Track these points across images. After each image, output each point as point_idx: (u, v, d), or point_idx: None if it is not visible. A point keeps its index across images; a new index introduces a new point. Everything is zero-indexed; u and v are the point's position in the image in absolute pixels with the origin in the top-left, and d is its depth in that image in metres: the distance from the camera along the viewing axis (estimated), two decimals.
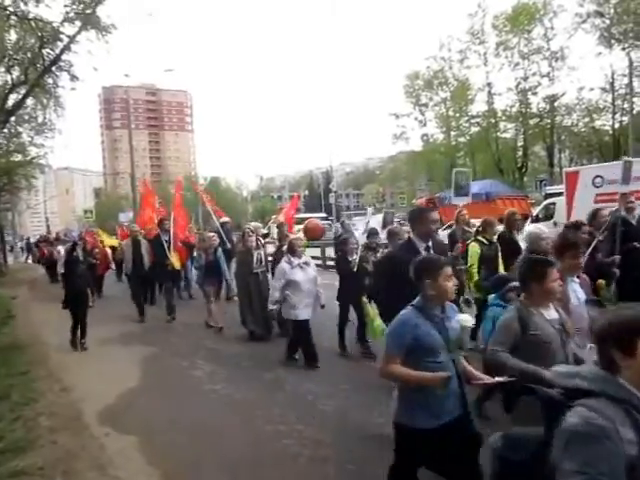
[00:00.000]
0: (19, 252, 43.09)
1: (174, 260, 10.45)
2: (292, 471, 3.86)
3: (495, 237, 6.26)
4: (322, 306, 6.70)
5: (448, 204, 27.46)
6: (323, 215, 40.08)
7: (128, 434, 4.71)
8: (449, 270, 2.81)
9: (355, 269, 6.76)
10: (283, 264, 6.45)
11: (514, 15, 36.09)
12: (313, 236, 16.34)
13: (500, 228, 6.51)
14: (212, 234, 9.82)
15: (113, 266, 16.12)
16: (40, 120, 20.84)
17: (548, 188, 26.39)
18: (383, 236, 7.51)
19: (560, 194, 19.37)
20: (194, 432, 4.64)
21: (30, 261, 32.67)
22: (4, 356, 7.75)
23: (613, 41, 31.81)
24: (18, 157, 23.91)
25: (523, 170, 39.36)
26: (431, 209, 4.82)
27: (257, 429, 4.64)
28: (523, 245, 5.53)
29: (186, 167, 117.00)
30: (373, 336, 6.18)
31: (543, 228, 4.72)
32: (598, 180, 17.28)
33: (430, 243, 4.11)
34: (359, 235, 8.32)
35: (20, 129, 21.92)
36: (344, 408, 4.99)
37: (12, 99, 17.72)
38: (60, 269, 13.52)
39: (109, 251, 15.37)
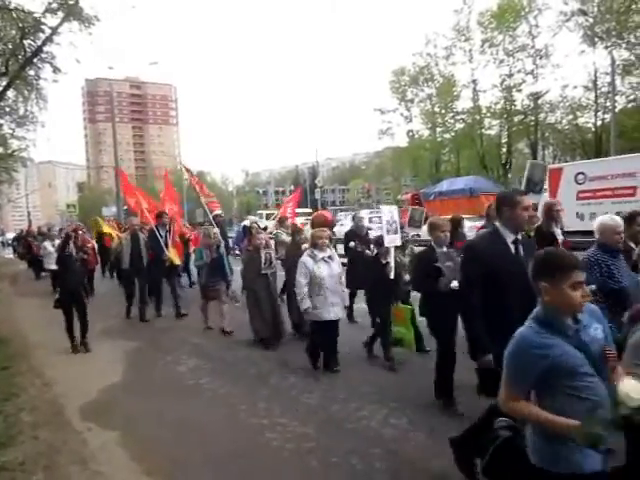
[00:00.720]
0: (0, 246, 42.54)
1: (172, 256, 9.97)
2: (276, 464, 3.88)
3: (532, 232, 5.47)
4: (346, 306, 6.33)
5: (432, 199, 27.80)
6: (309, 210, 40.03)
7: (111, 429, 4.68)
8: (580, 275, 2.06)
9: (392, 275, 5.82)
10: (306, 258, 5.83)
11: (499, 12, 36.29)
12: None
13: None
14: (215, 230, 9.15)
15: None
16: (22, 112, 20.56)
17: None
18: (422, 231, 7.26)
19: (544, 190, 19.65)
20: (178, 427, 4.63)
21: (12, 256, 32.27)
22: None
23: (596, 39, 32.15)
24: None
25: (507, 166, 39.72)
26: (524, 192, 4.15)
27: (241, 423, 4.65)
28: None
29: (171, 161, 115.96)
30: (408, 346, 5.96)
31: (617, 219, 4.05)
32: (580, 177, 17.58)
33: (519, 236, 3.27)
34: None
35: (1, 121, 21.59)
36: (327, 402, 5.01)
37: None
38: (48, 265, 13.27)
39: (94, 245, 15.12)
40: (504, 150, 40.17)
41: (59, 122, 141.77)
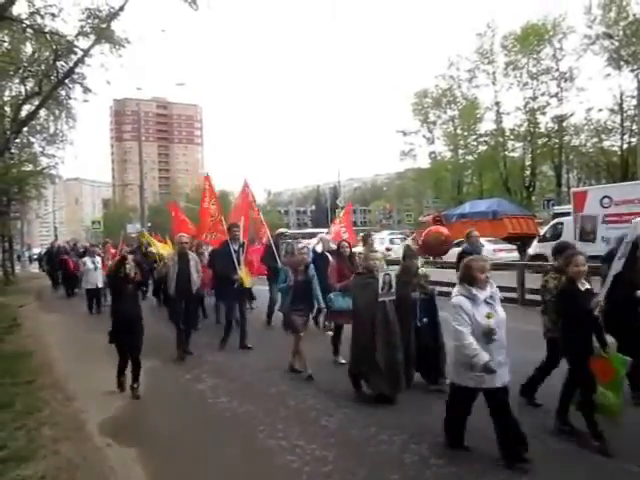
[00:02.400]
0: (26, 261, 43.38)
1: (243, 275, 8.57)
2: None
3: None
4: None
5: (454, 221, 27.60)
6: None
7: (130, 446, 4.70)
8: None
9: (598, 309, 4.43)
10: (461, 300, 4.04)
11: (523, 35, 36.34)
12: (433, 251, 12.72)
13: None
14: (302, 245, 7.91)
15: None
16: (52, 131, 21.16)
17: (556, 208, 26.35)
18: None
19: (568, 214, 19.39)
20: (196, 446, 4.63)
21: (37, 270, 32.81)
22: (9, 364, 7.78)
23: (622, 63, 31.96)
24: (29, 167, 24.22)
25: (531, 189, 39.32)
26: None
27: (259, 444, 4.62)
28: None
29: (194, 180, 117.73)
30: (613, 414, 4.26)
31: None
32: (606, 200, 17.33)
33: None
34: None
35: (32, 139, 22.25)
36: (346, 425, 4.96)
37: (25, 110, 18.01)
38: (86, 284, 13.09)
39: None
40: (527, 172, 39.80)
41: (87, 140, 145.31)
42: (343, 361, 6.79)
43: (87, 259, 13.34)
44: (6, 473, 4.14)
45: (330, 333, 7.46)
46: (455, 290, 4.23)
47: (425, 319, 6.01)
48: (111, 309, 6.48)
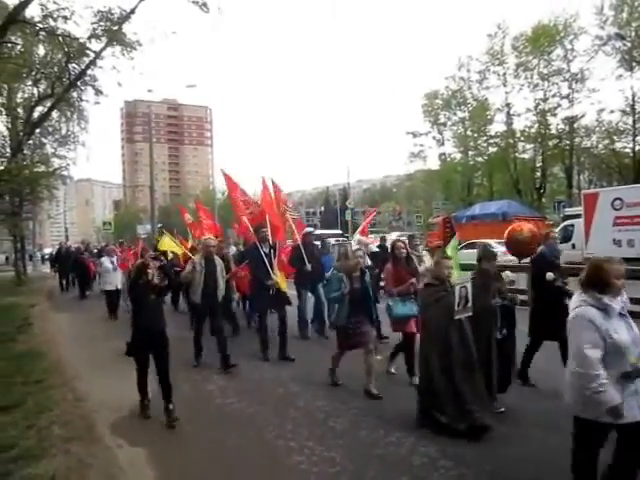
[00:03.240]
0: (38, 261, 43.76)
1: (279, 280, 7.80)
2: None
3: None
4: None
5: (464, 223, 27.51)
6: (339, 232, 39.94)
7: (140, 446, 4.73)
8: None
9: None
10: (590, 311, 3.11)
11: (534, 36, 36.09)
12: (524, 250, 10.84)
13: None
14: (357, 248, 7.07)
15: None
16: (64, 132, 21.41)
17: (567, 210, 26.18)
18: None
19: (578, 216, 19.26)
20: (205, 446, 4.65)
21: (49, 270, 33.05)
22: (21, 364, 7.84)
23: (634, 64, 31.67)
24: (41, 168, 24.43)
25: (541, 191, 39.03)
26: None
27: (268, 445, 4.63)
28: None
29: (204, 181, 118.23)
30: None
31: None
32: (617, 203, 17.20)
33: None
34: None
35: (44, 141, 22.51)
36: (355, 426, 4.96)
37: (38, 112, 18.25)
38: (104, 285, 12.56)
39: None
40: (538, 174, 39.51)
41: (98, 142, 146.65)
42: (394, 371, 6.53)
43: (105, 259, 12.62)
44: (17, 471, 4.17)
45: (379, 358, 6.28)
46: (578, 299, 3.26)
47: (504, 331, 5.27)
48: (132, 319, 5.71)
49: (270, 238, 8.16)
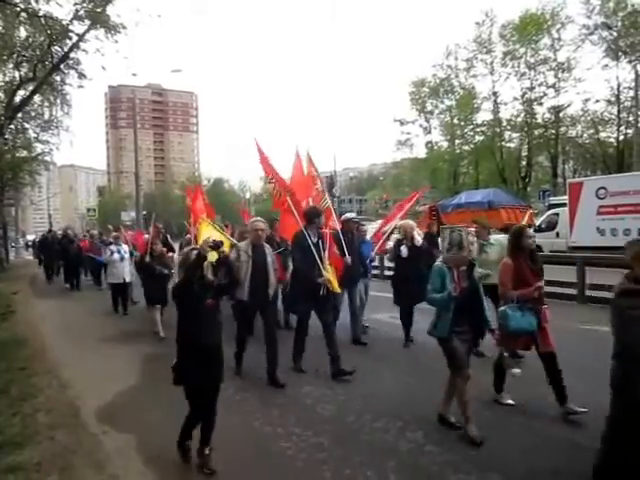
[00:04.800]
0: (21, 248, 43.24)
1: (331, 277, 6.28)
2: (290, 474, 3.85)
3: None
4: None
5: (450, 211, 27.63)
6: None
7: (126, 432, 4.70)
8: None
9: None
10: None
11: (521, 25, 36.13)
12: None
13: None
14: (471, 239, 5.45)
15: None
16: (46, 117, 21.04)
17: (551, 198, 26.41)
18: None
19: (563, 205, 19.44)
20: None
21: (32, 257, 32.68)
22: (3, 351, 7.76)
23: (620, 54, 31.87)
24: (23, 153, 24.06)
25: (527, 180, 39.33)
26: None
27: (255, 431, 4.63)
28: None
29: (190, 168, 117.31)
30: None
31: None
32: (602, 192, 17.38)
33: None
34: None
35: (26, 125, 22.15)
36: (342, 412, 4.98)
37: (20, 95, 17.91)
38: (111, 278, 11.19)
39: None
40: (524, 163, 39.80)
41: (82, 127, 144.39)
42: (511, 402, 5.00)
43: (112, 247, 11.21)
44: (2, 459, 4.14)
45: (516, 372, 4.80)
46: None
47: None
48: (178, 332, 4.19)
49: (320, 224, 6.60)
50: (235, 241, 7.11)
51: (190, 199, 11.70)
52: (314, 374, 6.23)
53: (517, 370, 4.77)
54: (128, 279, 11.15)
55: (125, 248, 11.32)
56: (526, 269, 4.79)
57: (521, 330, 4.61)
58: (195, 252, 4.03)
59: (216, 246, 4.24)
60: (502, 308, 4.71)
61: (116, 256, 10.98)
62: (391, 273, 9.10)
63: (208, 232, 7.64)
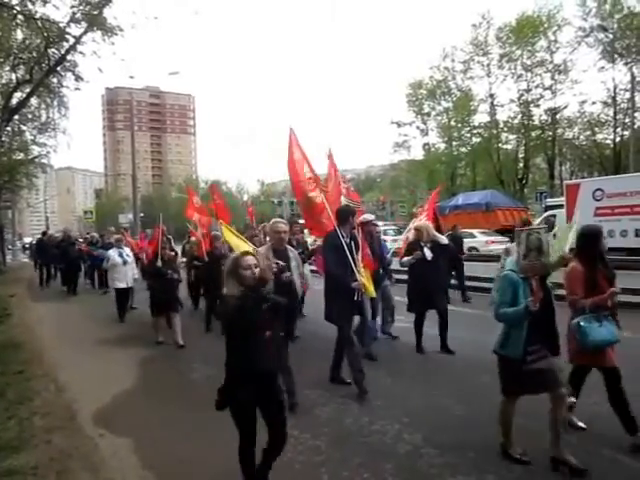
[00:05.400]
0: (18, 250, 43.12)
1: (366, 282, 5.74)
2: (287, 476, 3.84)
3: None
4: None
5: (447, 213, 27.68)
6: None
7: (123, 436, 4.68)
8: None
9: None
10: None
11: (518, 27, 36.29)
12: None
13: None
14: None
15: None
16: (43, 119, 20.99)
17: (548, 200, 26.48)
18: None
19: (560, 206, 19.49)
20: (190, 435, 4.62)
21: (28, 260, 32.57)
22: (0, 354, 7.73)
23: (616, 56, 32.03)
24: (20, 155, 24.01)
25: (524, 182, 39.45)
26: None
27: None
28: None
29: (187, 170, 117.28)
30: None
31: None
32: (598, 193, 17.43)
33: None
34: None
35: (23, 128, 22.07)
36: (339, 415, 4.97)
37: (16, 97, 17.87)
38: (114, 282, 10.58)
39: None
40: (521, 165, 39.94)
41: (79, 129, 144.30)
42: (583, 425, 4.35)
43: (114, 251, 10.63)
44: None
45: (571, 400, 4.13)
46: None
47: None
48: (229, 355, 3.48)
49: (354, 225, 6.11)
50: (252, 246, 6.25)
51: (191, 200, 11.70)
52: (311, 377, 6.22)
53: (572, 399, 4.14)
54: (131, 284, 10.74)
55: (128, 251, 10.92)
56: (598, 274, 4.11)
57: (603, 342, 3.97)
58: (250, 273, 3.21)
59: (280, 272, 4.09)
60: (575, 321, 4.05)
61: (118, 260, 10.40)
62: (401, 277, 8.45)
63: (231, 238, 6.86)
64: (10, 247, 40.10)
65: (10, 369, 6.88)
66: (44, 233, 22.52)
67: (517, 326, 3.75)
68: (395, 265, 8.42)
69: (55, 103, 18.98)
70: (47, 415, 5.24)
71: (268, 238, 7.40)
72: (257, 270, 3.26)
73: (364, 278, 5.68)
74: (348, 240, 5.72)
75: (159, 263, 8.58)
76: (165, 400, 5.68)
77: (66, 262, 15.83)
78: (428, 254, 7.02)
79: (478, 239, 22.02)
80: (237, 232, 7.12)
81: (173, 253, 9.68)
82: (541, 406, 3.81)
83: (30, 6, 13.80)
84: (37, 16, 14.11)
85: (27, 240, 52.78)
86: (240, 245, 6.46)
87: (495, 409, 3.99)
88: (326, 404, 5.27)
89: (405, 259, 7.26)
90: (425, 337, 7.22)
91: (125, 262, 10.50)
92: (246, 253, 3.38)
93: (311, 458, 4.08)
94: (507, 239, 21.87)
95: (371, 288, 5.92)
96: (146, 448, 4.41)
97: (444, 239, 7.29)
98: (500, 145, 39.91)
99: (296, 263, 5.56)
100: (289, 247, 5.77)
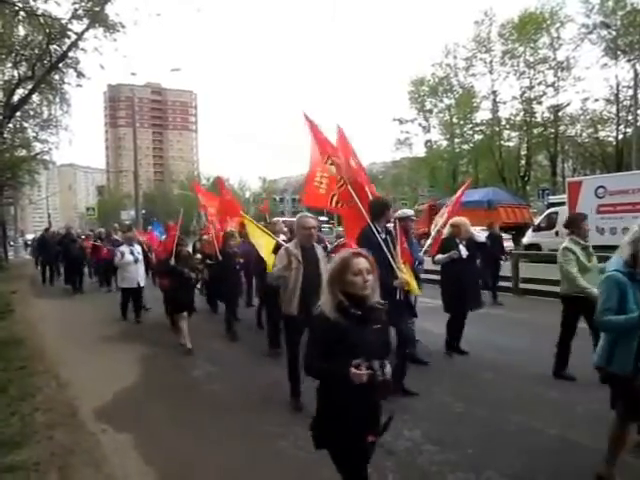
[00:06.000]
0: (20, 247, 43.17)
1: (408, 279, 5.18)
2: (288, 472, 3.85)
3: None
4: None
5: None
6: (325, 219, 39.98)
7: (125, 432, 4.70)
8: None
9: None
10: None
11: (521, 24, 36.18)
12: None
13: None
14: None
15: None
16: (45, 116, 21.01)
17: (551, 197, 26.45)
18: None
19: (562, 204, 19.47)
20: (191, 432, 4.63)
21: (30, 257, 32.57)
22: (2, 350, 7.75)
23: (619, 53, 31.92)
24: (22, 152, 24.04)
25: (526, 179, 39.39)
26: None
27: (254, 430, 4.63)
28: None
29: (189, 166, 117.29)
30: None
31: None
32: (601, 191, 17.40)
33: None
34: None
35: (25, 124, 22.09)
36: None
37: (18, 94, 17.87)
38: (122, 282, 10.16)
39: None
40: (523, 162, 39.87)
41: (81, 126, 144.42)
42: None
43: (124, 248, 10.06)
44: (0, 458, 4.13)
45: None
46: None
47: None
48: (320, 395, 2.73)
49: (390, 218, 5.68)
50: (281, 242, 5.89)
51: (202, 195, 11.19)
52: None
53: None
54: (142, 283, 10.20)
55: (139, 249, 10.34)
56: None
57: None
58: (361, 281, 2.46)
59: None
60: None
61: (130, 258, 9.86)
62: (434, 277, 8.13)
63: (255, 232, 6.41)
64: (12, 244, 40.12)
65: (12, 365, 6.90)
66: (47, 230, 22.49)
67: (626, 336, 3.16)
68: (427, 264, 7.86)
69: (57, 100, 19.01)
70: (49, 411, 5.25)
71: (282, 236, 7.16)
72: (371, 278, 2.50)
73: (406, 275, 5.17)
74: (384, 235, 5.23)
75: (172, 261, 8.05)
76: (167, 397, 5.69)
77: (67, 259, 15.50)
78: (464, 252, 6.66)
79: (481, 236, 21.97)
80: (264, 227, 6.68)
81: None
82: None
83: (32, 2, 13.83)
84: (39, 12, 14.12)
85: (29, 237, 52.82)
86: (266, 241, 6.21)
87: (495, 406, 4.00)
88: None
89: (439, 257, 6.78)
90: (428, 335, 7.20)
91: (136, 260, 10.03)
92: (357, 254, 2.57)
93: (311, 454, 4.08)
94: (510, 236, 21.90)
95: (414, 284, 5.30)
96: (148, 444, 4.42)
97: (481, 237, 6.96)
98: (502, 142, 39.84)
99: (324, 262, 4.97)
100: (317, 245, 5.24)
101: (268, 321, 7.49)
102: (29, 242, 43.18)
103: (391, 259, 5.09)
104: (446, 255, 6.66)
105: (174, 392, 5.86)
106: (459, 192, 8.49)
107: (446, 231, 7.00)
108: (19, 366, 6.87)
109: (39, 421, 4.98)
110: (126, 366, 6.88)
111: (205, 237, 11.06)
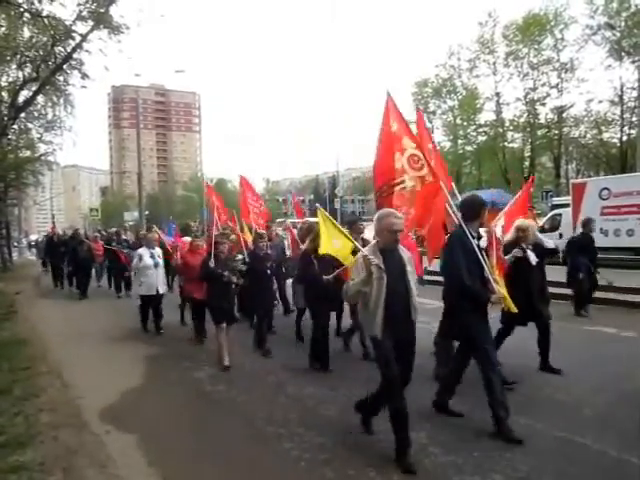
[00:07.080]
0: (24, 248, 43.30)
1: (505, 294, 4.61)
2: (293, 474, 3.84)
3: None
4: None
5: None
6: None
7: (129, 433, 4.70)
8: None
9: None
10: None
11: (524, 25, 36.09)
12: None
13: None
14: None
15: None
16: (50, 117, 21.03)
17: (554, 199, 26.34)
18: None
19: (566, 205, 19.37)
20: (195, 433, 4.63)
21: (34, 257, 32.64)
22: (6, 351, 7.76)
23: (623, 54, 31.78)
24: (27, 153, 24.11)
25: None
26: None
27: (258, 431, 4.62)
28: None
29: (192, 168, 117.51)
30: None
31: None
32: (605, 192, 17.32)
33: None
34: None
35: (30, 125, 22.14)
36: (345, 413, 4.95)
37: (23, 96, 17.92)
38: (139, 289, 9.19)
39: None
40: (527, 164, 39.74)
41: (85, 127, 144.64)
42: None
43: (143, 251, 9.17)
44: (5, 458, 4.13)
45: None
46: None
47: None
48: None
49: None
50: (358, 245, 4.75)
51: (215, 197, 10.93)
52: (316, 375, 6.22)
53: None
54: (162, 290, 9.25)
55: (159, 252, 9.43)
56: None
57: None
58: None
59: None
60: None
61: (149, 261, 8.99)
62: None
63: (327, 231, 5.41)
64: (16, 244, 40.23)
65: (16, 366, 6.91)
66: (54, 233, 22.23)
67: None
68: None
69: (61, 101, 19.00)
70: (53, 411, 5.25)
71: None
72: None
73: (503, 288, 4.56)
74: (477, 240, 4.56)
75: (212, 263, 6.99)
76: (171, 398, 5.69)
77: (75, 262, 14.64)
78: (533, 258, 5.93)
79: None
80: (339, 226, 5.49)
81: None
82: None
83: (37, 4, 13.83)
84: (44, 14, 14.13)
85: (33, 237, 52.96)
86: (343, 243, 5.17)
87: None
88: (331, 402, 5.26)
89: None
90: (428, 335, 7.15)
91: (156, 264, 9.09)
92: None
93: (316, 456, 4.07)
94: None
95: (510, 301, 4.53)
96: (152, 445, 4.42)
97: (550, 242, 6.41)
98: (506, 144, 39.68)
99: (412, 269, 4.18)
100: (402, 248, 4.21)
101: (313, 334, 6.60)
102: (32, 243, 43.30)
103: (487, 270, 4.47)
104: (508, 255, 5.79)
105: (178, 393, 5.86)
106: (523, 191, 7.06)
107: (509, 236, 6.10)
108: (23, 367, 6.87)
109: (43, 421, 4.98)
110: (130, 367, 6.89)
111: (232, 237, 9.42)
